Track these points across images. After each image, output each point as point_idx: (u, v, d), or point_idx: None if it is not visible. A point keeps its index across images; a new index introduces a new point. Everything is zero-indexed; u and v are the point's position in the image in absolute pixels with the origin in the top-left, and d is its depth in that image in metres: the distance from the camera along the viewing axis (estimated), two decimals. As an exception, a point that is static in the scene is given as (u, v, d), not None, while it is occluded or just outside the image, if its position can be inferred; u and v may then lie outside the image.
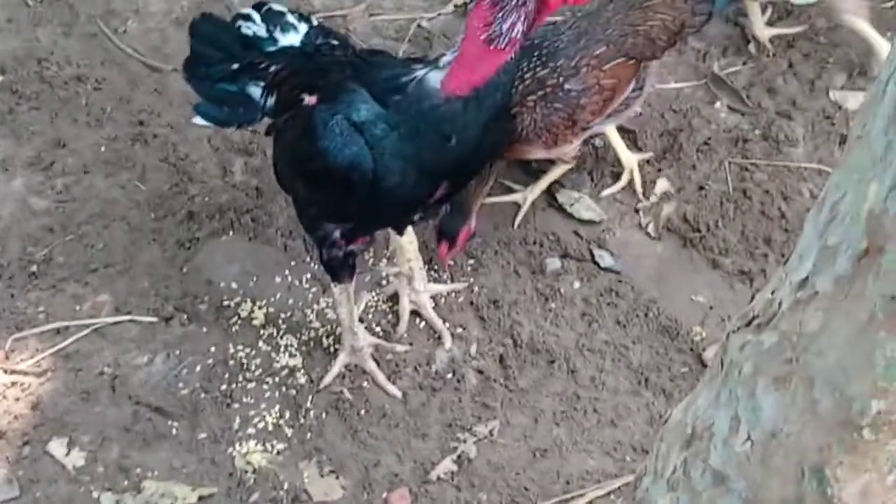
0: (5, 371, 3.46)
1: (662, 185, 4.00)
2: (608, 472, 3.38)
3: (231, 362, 3.52)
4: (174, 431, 3.41)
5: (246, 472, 3.33)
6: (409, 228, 3.53)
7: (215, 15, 3.59)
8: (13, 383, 3.45)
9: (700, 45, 4.49)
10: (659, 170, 4.06)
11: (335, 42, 3.31)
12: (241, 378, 3.49)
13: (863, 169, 1.41)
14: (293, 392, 3.49)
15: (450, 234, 3.55)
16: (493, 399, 3.51)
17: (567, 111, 3.53)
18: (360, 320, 3.56)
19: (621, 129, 4.08)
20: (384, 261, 3.79)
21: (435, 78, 2.72)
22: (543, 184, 3.91)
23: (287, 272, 3.74)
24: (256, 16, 3.35)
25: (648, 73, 3.77)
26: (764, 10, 4.44)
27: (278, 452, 3.38)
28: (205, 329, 3.60)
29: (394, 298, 3.69)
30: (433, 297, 3.68)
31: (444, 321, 3.64)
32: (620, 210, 3.97)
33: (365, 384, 3.49)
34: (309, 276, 3.73)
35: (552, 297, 3.73)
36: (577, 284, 3.76)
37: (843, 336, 1.43)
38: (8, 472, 3.29)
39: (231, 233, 3.83)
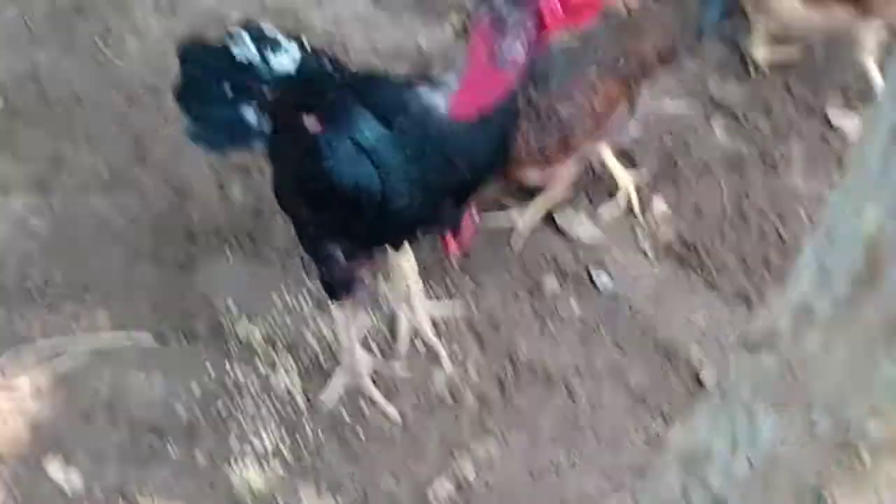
0: (2, 391, 3.46)
1: (660, 206, 4.01)
2: (606, 493, 3.38)
3: (229, 383, 3.52)
4: (172, 452, 3.40)
5: (244, 493, 3.33)
6: (408, 249, 3.53)
7: (205, 39, 3.56)
8: (10, 404, 3.45)
9: (696, 66, 4.51)
10: (656, 191, 4.07)
11: (328, 63, 3.29)
12: (238, 399, 3.48)
13: (860, 192, 1.41)
14: (291, 413, 3.48)
15: (452, 228, 3.56)
16: (492, 420, 3.50)
17: (559, 133, 3.54)
18: (359, 341, 3.55)
19: (620, 151, 4.09)
20: (383, 281, 3.78)
21: (439, 99, 2.71)
22: (541, 205, 3.91)
23: (285, 292, 3.74)
24: (248, 38, 3.33)
25: (640, 94, 3.78)
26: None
27: (276, 473, 3.38)
28: (203, 349, 3.60)
29: (392, 319, 3.69)
30: (431, 318, 3.68)
31: (443, 342, 3.64)
32: (618, 231, 3.97)
33: (363, 405, 3.49)
34: (307, 296, 3.73)
35: (550, 318, 3.73)
36: (575, 305, 3.77)
37: (842, 358, 1.43)
38: (5, 494, 3.29)
39: (229, 253, 3.84)
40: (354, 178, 2.79)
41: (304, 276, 3.76)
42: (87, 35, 4.54)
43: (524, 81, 2.74)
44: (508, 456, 3.45)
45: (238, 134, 3.32)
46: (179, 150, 4.04)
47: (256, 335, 3.62)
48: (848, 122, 4.25)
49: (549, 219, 3.96)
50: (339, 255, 3.11)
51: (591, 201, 4.04)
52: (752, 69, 4.47)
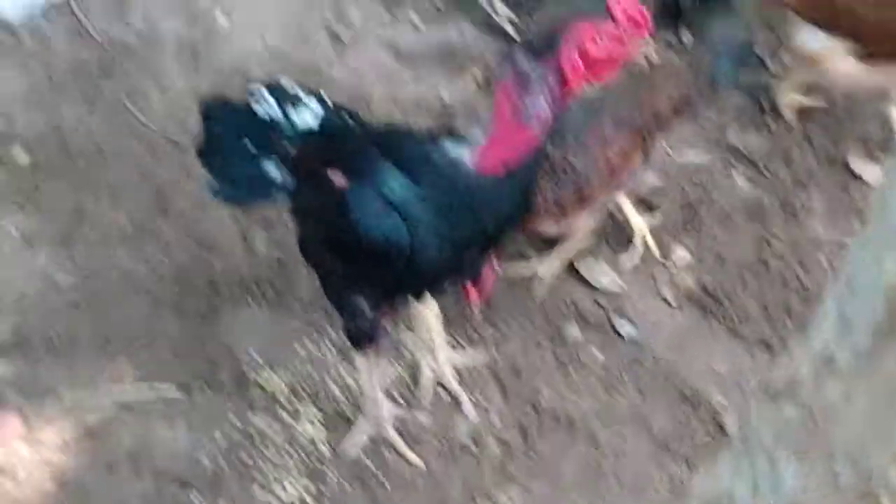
0: (28, 445, 3.47)
1: (682, 254, 4.03)
2: (630, 540, 3.39)
3: (253, 433, 3.53)
4: (196, 503, 3.41)
5: (269, 542, 3.34)
6: (431, 298, 3.55)
7: (227, 96, 3.57)
8: (36, 457, 3.46)
9: (716, 116, 4.53)
10: (678, 239, 4.08)
11: (349, 118, 3.30)
12: (262, 449, 3.49)
13: (881, 243, 1.43)
14: (315, 462, 3.49)
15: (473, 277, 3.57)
16: (515, 467, 3.51)
17: (575, 186, 3.55)
18: (382, 390, 3.56)
19: (640, 202, 4.11)
20: (406, 331, 3.80)
21: (466, 154, 2.71)
22: (563, 255, 3.93)
23: (308, 342, 3.76)
24: (269, 95, 3.33)
25: (655, 146, 3.80)
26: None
27: (301, 523, 3.39)
28: (226, 399, 3.61)
29: (415, 367, 3.70)
30: (454, 366, 3.69)
31: (465, 390, 3.65)
32: (640, 279, 3.99)
33: (387, 454, 3.49)
34: (330, 345, 3.75)
35: (573, 365, 3.74)
36: (597, 353, 3.77)
37: (863, 408, 1.44)
38: (32, 545, 3.31)
39: (253, 304, 3.86)
40: (383, 231, 2.80)
41: (327, 325, 3.78)
42: (111, 90, 4.57)
43: (549, 136, 2.75)
44: (532, 503, 3.45)
45: (260, 189, 3.32)
46: (202, 203, 4.06)
47: (280, 385, 3.63)
48: (869, 172, 4.26)
49: (570, 267, 3.98)
50: (364, 305, 3.12)
51: (612, 249, 4.05)
52: (771, 119, 4.50)
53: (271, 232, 4.05)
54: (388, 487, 3.46)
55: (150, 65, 4.69)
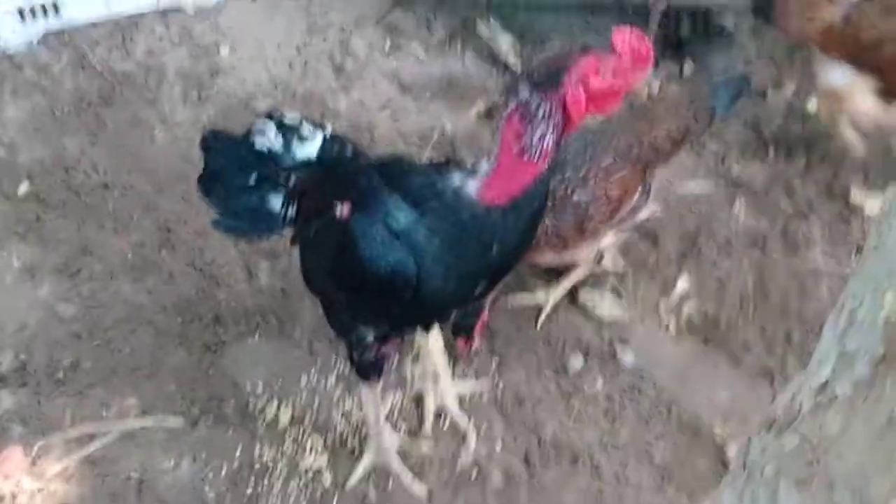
0: (33, 477, 3.47)
1: (683, 284, 4.04)
2: (633, 570, 3.39)
3: (257, 464, 3.53)
4: (201, 534, 3.42)
5: (273, 574, 3.35)
6: (436, 328, 3.56)
7: (227, 130, 3.55)
8: (40, 489, 3.45)
9: (718, 148, 4.56)
10: (679, 269, 4.10)
11: (350, 150, 3.30)
12: (267, 480, 3.49)
13: (879, 277, 1.44)
14: (319, 493, 3.49)
15: (466, 328, 3.58)
16: (518, 497, 3.51)
17: (576, 220, 3.57)
18: (386, 420, 3.58)
19: (642, 231, 4.13)
20: (410, 361, 3.81)
21: (472, 186, 2.71)
22: (566, 285, 3.95)
23: (313, 373, 3.77)
24: (270, 128, 3.32)
25: (654, 178, 3.82)
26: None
27: (305, 554, 3.40)
28: (231, 431, 3.62)
29: (419, 398, 3.72)
30: (458, 397, 3.70)
31: (469, 420, 3.65)
32: (641, 309, 4.00)
33: (391, 483, 3.50)
34: (334, 376, 3.76)
35: (575, 395, 3.75)
36: (599, 382, 3.78)
37: (863, 439, 1.45)
38: (38, 576, 3.32)
39: (257, 335, 3.87)
40: (389, 262, 2.79)
41: (332, 356, 3.79)
42: (114, 121, 4.61)
43: (553, 168, 2.76)
44: (535, 533, 3.47)
45: (263, 221, 3.31)
46: (206, 235, 4.08)
47: (284, 416, 3.64)
48: (869, 204, 4.28)
49: (572, 297, 3.99)
50: (370, 336, 3.13)
51: (614, 280, 4.07)
52: (772, 150, 4.53)
53: (275, 263, 4.07)
54: (392, 517, 3.47)
55: (155, 97, 4.72)
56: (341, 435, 3.62)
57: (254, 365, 3.79)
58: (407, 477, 3.49)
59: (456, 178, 2.75)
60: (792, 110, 4.71)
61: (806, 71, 4.73)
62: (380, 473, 3.52)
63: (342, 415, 3.68)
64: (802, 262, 4.12)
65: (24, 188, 4.33)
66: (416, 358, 3.78)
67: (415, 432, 3.65)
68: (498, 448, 3.60)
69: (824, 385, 1.55)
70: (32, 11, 4.91)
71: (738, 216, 4.31)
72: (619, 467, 3.57)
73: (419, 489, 3.48)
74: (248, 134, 3.35)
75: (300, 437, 3.60)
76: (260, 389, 3.71)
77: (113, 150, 4.50)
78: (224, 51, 4.99)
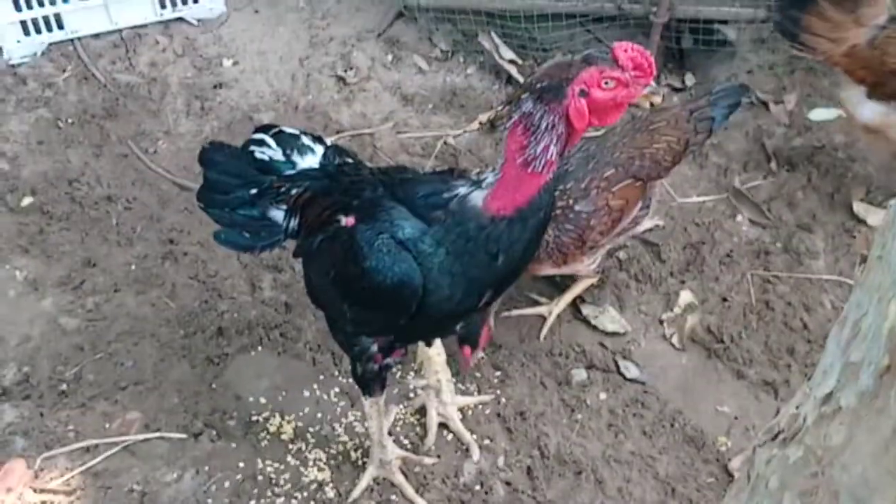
0: (35, 490, 3.46)
1: (686, 297, 4.04)
2: (637, 583, 3.39)
3: (260, 477, 3.52)
4: (204, 547, 3.42)
5: (276, 587, 3.34)
6: (438, 341, 3.56)
7: (226, 143, 3.55)
8: (43, 502, 3.45)
9: (721, 160, 4.57)
10: (682, 282, 4.10)
11: (350, 161, 3.28)
12: (269, 493, 3.48)
13: (883, 288, 1.44)
14: (322, 505, 3.50)
15: (471, 338, 3.58)
16: (521, 510, 3.51)
17: (577, 232, 3.58)
18: (389, 433, 3.56)
19: (646, 243, 4.14)
20: (412, 374, 3.81)
21: (478, 197, 2.71)
22: (568, 297, 3.96)
23: (315, 386, 3.76)
24: (271, 140, 3.32)
25: (654, 190, 3.83)
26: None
27: (308, 567, 3.39)
28: (234, 445, 3.61)
29: (421, 411, 3.71)
30: (460, 409, 3.70)
31: (472, 433, 3.65)
32: (645, 322, 4.00)
33: (393, 497, 3.49)
34: (337, 389, 3.76)
35: (578, 408, 3.74)
36: (603, 395, 3.78)
37: (867, 450, 1.45)
38: (40, 590, 3.31)
39: (260, 348, 3.87)
40: (396, 273, 2.78)
41: (335, 370, 3.79)
42: (117, 133, 4.62)
43: (556, 178, 2.76)
44: (539, 546, 3.46)
45: (265, 234, 3.31)
46: (210, 248, 4.09)
47: (287, 429, 3.64)
48: (872, 215, 4.28)
49: (576, 310, 3.99)
50: (374, 349, 3.12)
51: (617, 293, 4.07)
52: (775, 162, 4.53)
53: (278, 276, 4.07)
54: (395, 531, 3.47)
55: (158, 110, 4.73)
56: (344, 448, 3.62)
57: (257, 378, 3.79)
58: (409, 490, 3.48)
59: (461, 189, 2.75)
60: (794, 122, 4.72)
61: (808, 82, 4.75)
62: (382, 487, 3.51)
63: (345, 428, 3.67)
64: (806, 274, 4.12)
65: (27, 201, 4.34)
66: (419, 371, 3.78)
67: (417, 446, 3.64)
68: (501, 461, 3.59)
69: (829, 396, 1.55)
70: (36, 24, 4.93)
71: (740, 228, 4.31)
72: (622, 481, 3.56)
73: (422, 503, 3.47)
74: (248, 145, 3.35)
75: (303, 450, 3.60)
76: (263, 402, 3.71)
77: (116, 163, 4.51)
78: (227, 63, 5.01)
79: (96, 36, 5.05)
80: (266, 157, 3.30)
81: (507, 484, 3.54)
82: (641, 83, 2.65)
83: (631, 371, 3.85)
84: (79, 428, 3.64)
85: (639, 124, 3.77)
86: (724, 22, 4.90)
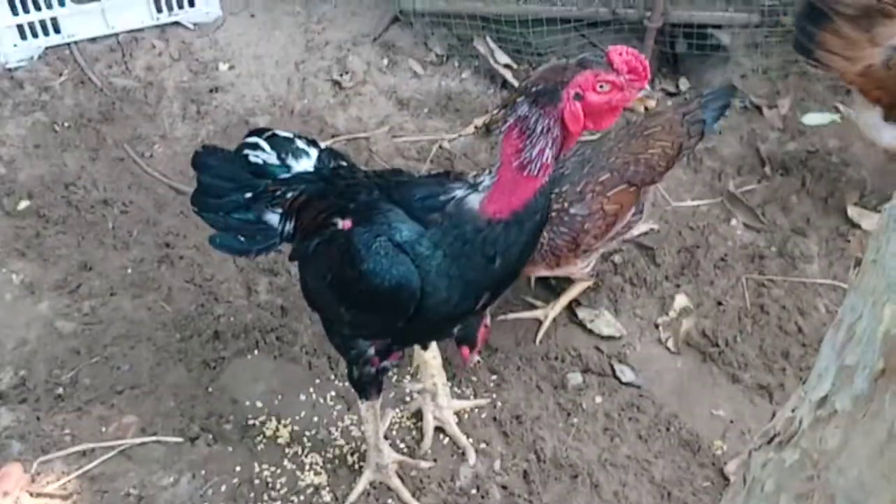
0: (32, 494, 3.46)
1: (681, 301, 4.05)
2: (633, 587, 3.39)
3: (256, 481, 3.52)
4: (200, 551, 3.42)
5: (272, 591, 3.34)
6: (434, 344, 3.56)
7: (220, 147, 3.51)
8: (41, 506, 3.47)
9: (715, 164, 4.58)
10: (677, 286, 4.11)
11: (344, 164, 3.28)
12: (266, 497, 3.48)
13: (878, 292, 1.44)
14: (318, 509, 3.49)
15: (469, 338, 3.58)
16: (517, 514, 3.51)
17: (571, 235, 3.60)
18: (385, 437, 3.57)
19: (641, 247, 4.14)
20: (408, 377, 3.81)
21: (474, 200, 2.71)
22: (564, 301, 3.97)
23: (312, 390, 3.77)
24: (265, 143, 3.31)
25: (648, 194, 3.84)
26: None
27: (304, 571, 3.39)
28: (230, 448, 3.61)
29: (418, 415, 3.71)
30: (456, 413, 3.70)
31: (468, 437, 3.65)
32: (640, 326, 4.01)
33: (390, 501, 3.49)
34: (333, 393, 3.76)
35: (574, 412, 3.74)
36: (598, 399, 3.78)
37: (863, 453, 1.45)
38: None
39: (256, 352, 3.87)
40: (394, 276, 2.78)
41: (331, 373, 3.79)
42: (114, 137, 4.62)
43: (552, 182, 2.76)
44: (535, 550, 3.46)
45: (261, 238, 3.29)
46: (206, 251, 4.09)
47: (283, 433, 3.64)
48: (866, 220, 4.29)
49: (571, 314, 4.00)
50: (371, 353, 3.12)
51: (612, 297, 4.07)
52: (768, 166, 4.54)
53: (274, 279, 4.07)
54: (391, 534, 3.47)
55: (154, 114, 4.74)
56: (340, 452, 3.62)
57: (253, 381, 3.79)
58: (406, 494, 3.48)
59: (458, 192, 2.76)
60: (788, 126, 4.73)
61: (802, 87, 4.76)
62: (379, 491, 3.51)
63: (341, 432, 3.67)
64: (800, 278, 4.12)
65: (24, 204, 4.34)
66: (415, 375, 3.78)
67: (413, 449, 3.64)
68: (497, 465, 3.60)
69: (824, 399, 1.55)
70: (32, 28, 4.93)
71: (735, 232, 4.32)
72: (618, 485, 3.56)
73: (418, 507, 3.48)
74: (241, 149, 3.35)
75: (299, 454, 3.60)
76: (259, 406, 3.71)
77: (113, 166, 4.51)
78: (223, 67, 5.01)
79: (93, 40, 5.05)
80: (260, 161, 3.29)
81: (504, 488, 3.54)
82: (636, 87, 2.66)
83: (626, 375, 3.85)
84: (75, 432, 3.64)
85: (634, 129, 3.78)
86: (718, 26, 4.91)
